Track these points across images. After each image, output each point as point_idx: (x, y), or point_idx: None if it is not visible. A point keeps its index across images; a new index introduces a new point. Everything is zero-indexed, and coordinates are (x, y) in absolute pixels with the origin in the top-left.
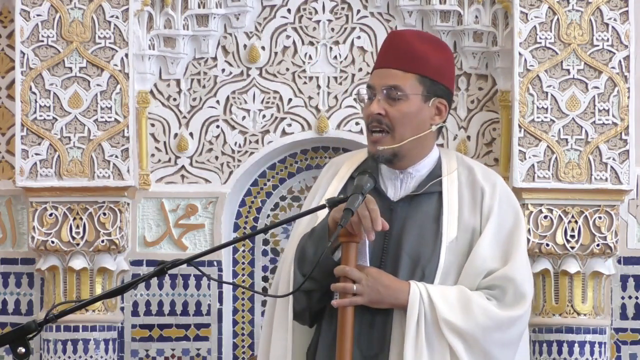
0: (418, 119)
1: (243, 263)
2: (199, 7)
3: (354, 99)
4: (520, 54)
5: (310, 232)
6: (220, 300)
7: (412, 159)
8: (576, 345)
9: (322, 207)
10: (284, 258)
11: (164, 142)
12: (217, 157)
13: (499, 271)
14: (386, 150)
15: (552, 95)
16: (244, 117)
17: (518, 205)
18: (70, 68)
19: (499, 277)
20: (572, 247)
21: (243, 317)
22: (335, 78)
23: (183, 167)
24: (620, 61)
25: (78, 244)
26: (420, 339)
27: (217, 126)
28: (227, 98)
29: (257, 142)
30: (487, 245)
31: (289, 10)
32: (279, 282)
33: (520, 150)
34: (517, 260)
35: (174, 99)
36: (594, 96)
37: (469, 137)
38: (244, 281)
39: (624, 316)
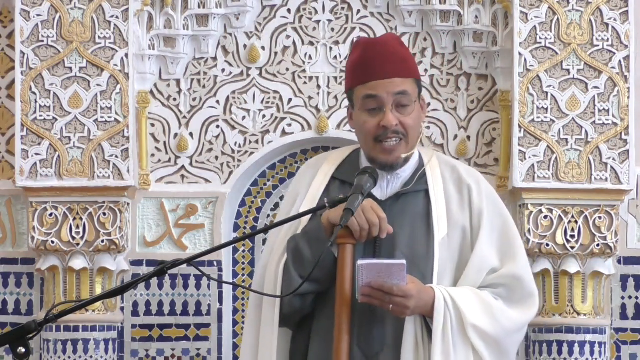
0: (420, 121)
1: (243, 263)
2: (199, 7)
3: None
4: (520, 54)
5: (302, 234)
6: (220, 300)
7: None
8: (576, 345)
9: (322, 207)
10: (263, 264)
11: (164, 142)
12: (217, 157)
13: (504, 270)
14: (402, 158)
15: (552, 95)
16: (244, 117)
17: (501, 201)
18: (70, 68)
19: (505, 276)
20: (572, 247)
21: (243, 317)
22: (335, 78)
23: (183, 167)
24: (620, 61)
25: (78, 244)
26: (447, 345)
27: (217, 126)
28: (227, 98)
29: (257, 142)
30: (485, 243)
31: (289, 10)
32: (262, 288)
33: (520, 150)
34: (520, 258)
35: (174, 99)
36: (594, 96)
37: (469, 137)
38: (244, 281)
39: (624, 316)
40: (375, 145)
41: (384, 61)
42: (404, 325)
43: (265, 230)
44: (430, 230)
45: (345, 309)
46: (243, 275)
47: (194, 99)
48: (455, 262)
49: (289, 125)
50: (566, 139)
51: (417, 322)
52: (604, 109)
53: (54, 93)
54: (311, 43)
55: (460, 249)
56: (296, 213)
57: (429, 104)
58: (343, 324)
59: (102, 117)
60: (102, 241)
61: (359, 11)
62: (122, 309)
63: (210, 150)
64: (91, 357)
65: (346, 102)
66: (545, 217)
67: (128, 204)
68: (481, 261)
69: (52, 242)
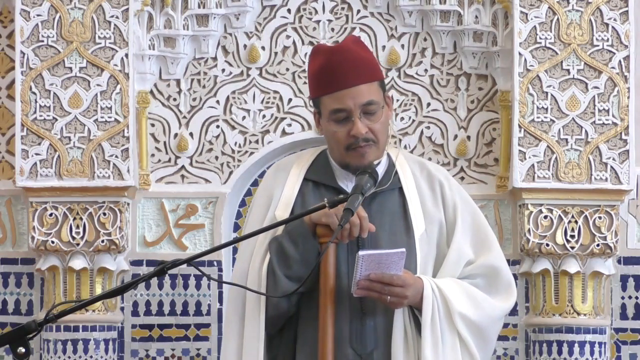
0: (387, 121)
1: None
2: (199, 7)
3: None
4: (520, 54)
5: (284, 234)
6: (220, 300)
7: None
8: (576, 345)
9: (322, 206)
10: (243, 271)
11: (164, 142)
12: (217, 157)
13: (480, 261)
14: (374, 162)
15: (552, 95)
16: (244, 117)
17: (469, 196)
18: (70, 68)
19: (482, 266)
20: (572, 247)
21: None
22: None
23: (183, 167)
24: (620, 61)
25: (78, 244)
26: (435, 333)
27: (217, 126)
28: (227, 98)
29: (257, 142)
30: (461, 236)
31: (289, 10)
32: (242, 295)
33: (520, 150)
34: (495, 249)
35: (174, 99)
36: (594, 96)
37: (469, 137)
38: None
39: (624, 316)
40: (348, 153)
41: (347, 69)
42: (393, 320)
43: (265, 230)
44: (409, 226)
45: (329, 309)
46: None
47: (194, 99)
48: (434, 256)
49: (289, 125)
50: (566, 139)
51: (406, 314)
52: (604, 109)
53: (54, 93)
54: (311, 43)
55: (437, 243)
56: (272, 215)
57: (428, 104)
58: (327, 324)
59: (102, 117)
60: (102, 241)
61: (359, 11)
62: (122, 309)
63: (210, 150)
64: (91, 357)
65: None
66: (545, 217)
67: (128, 204)
68: (459, 253)
69: (52, 242)
